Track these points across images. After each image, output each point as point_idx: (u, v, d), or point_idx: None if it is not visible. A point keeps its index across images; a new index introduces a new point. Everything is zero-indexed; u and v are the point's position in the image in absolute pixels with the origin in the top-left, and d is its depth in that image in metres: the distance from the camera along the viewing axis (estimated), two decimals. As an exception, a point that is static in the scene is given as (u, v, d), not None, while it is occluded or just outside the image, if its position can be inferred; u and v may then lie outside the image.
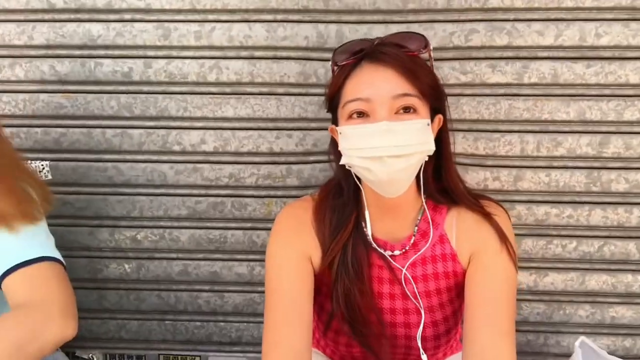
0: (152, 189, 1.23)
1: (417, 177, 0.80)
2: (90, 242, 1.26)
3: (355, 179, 0.83)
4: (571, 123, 1.14)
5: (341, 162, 0.79)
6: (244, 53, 1.16)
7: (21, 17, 1.16)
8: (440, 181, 0.85)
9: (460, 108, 1.15)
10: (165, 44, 1.16)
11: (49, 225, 1.25)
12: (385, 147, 0.73)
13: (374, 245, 0.84)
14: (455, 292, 0.87)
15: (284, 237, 0.86)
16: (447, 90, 1.12)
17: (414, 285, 0.84)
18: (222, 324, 1.30)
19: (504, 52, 1.11)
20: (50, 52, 1.17)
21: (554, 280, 1.22)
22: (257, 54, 1.15)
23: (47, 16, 1.15)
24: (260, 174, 1.22)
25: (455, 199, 0.84)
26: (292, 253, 0.84)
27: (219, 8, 1.14)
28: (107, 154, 1.22)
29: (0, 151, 0.89)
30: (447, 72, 1.13)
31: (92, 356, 1.33)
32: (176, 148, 1.21)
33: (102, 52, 1.17)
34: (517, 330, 1.22)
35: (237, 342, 1.32)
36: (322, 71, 1.15)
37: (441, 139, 0.82)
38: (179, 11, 1.15)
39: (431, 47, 0.79)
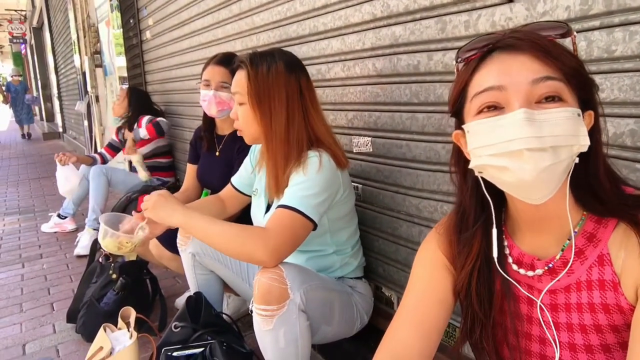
0: (430, 165, 1.39)
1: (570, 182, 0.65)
2: (391, 204, 1.57)
3: (485, 192, 0.71)
4: None
5: (470, 166, 0.70)
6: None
7: (358, 28, 1.55)
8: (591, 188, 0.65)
9: None
10: (443, 37, 1.27)
11: (365, 185, 1.64)
12: (525, 139, 0.60)
13: (502, 272, 0.75)
14: (629, 334, 0.65)
15: (424, 254, 0.87)
16: None
17: (549, 315, 0.71)
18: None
19: None
20: (372, 52, 1.52)
21: None
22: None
23: (371, 25, 1.50)
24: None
25: (609, 208, 0.64)
26: (429, 265, 0.84)
27: (487, -6, 1.15)
28: (402, 133, 1.47)
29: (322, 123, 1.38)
30: None
31: (391, 295, 1.66)
32: (449, 130, 1.32)
33: (402, 49, 1.41)
34: None
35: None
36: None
37: (592, 139, 0.64)
38: (454, 3, 1.23)
39: (575, 34, 0.62)
